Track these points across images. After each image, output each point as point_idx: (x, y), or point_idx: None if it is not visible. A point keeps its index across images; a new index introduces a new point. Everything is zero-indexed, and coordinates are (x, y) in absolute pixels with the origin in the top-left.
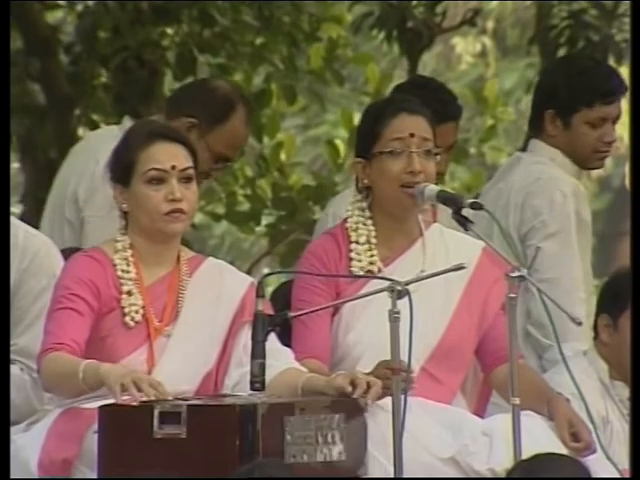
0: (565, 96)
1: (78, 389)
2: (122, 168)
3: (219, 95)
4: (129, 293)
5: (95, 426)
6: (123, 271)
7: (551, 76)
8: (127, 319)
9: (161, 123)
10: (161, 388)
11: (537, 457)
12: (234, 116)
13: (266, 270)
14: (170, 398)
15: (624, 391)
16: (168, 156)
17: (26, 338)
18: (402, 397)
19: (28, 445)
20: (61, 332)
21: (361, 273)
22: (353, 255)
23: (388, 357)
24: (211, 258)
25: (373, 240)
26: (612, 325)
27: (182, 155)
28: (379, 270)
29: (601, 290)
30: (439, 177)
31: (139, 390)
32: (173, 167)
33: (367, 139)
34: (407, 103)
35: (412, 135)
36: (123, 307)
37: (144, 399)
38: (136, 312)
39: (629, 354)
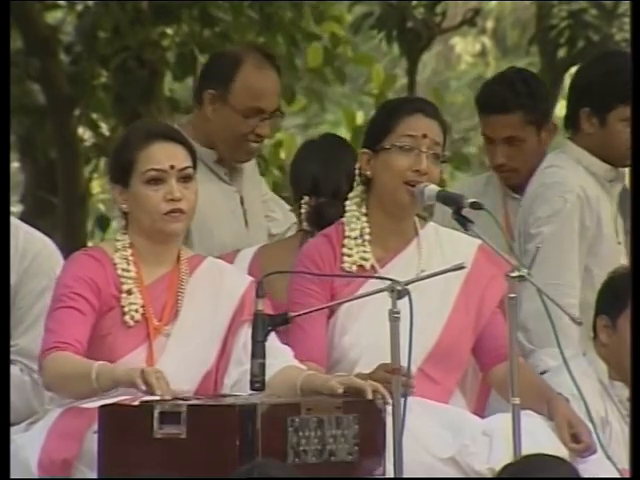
0: (600, 94)
1: (87, 390)
2: (121, 168)
3: (223, 56)
4: (129, 292)
5: (95, 426)
6: (123, 270)
7: (586, 74)
8: (127, 318)
9: (160, 123)
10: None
11: (526, 459)
12: (242, 67)
13: None
14: (170, 398)
15: (623, 391)
16: (167, 156)
17: (27, 339)
18: (402, 397)
19: (28, 445)
20: (64, 331)
21: (353, 268)
22: (345, 250)
23: (385, 359)
24: (210, 257)
25: (366, 236)
26: (611, 326)
27: (181, 155)
28: (373, 269)
29: (599, 291)
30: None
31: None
32: (172, 167)
33: (378, 132)
34: (425, 105)
35: (425, 136)
36: (123, 306)
37: (144, 399)
38: (135, 311)
39: (628, 354)
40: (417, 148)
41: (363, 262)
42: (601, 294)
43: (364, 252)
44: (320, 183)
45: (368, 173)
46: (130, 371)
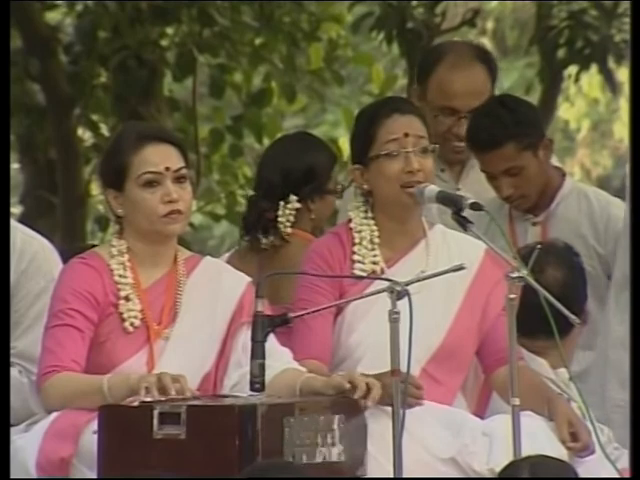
0: None
1: (97, 405)
2: (114, 172)
3: (429, 51)
4: (127, 298)
5: (92, 424)
6: (120, 276)
7: None
8: (126, 324)
9: (150, 124)
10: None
11: (523, 461)
12: (439, 65)
13: None
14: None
15: (566, 375)
16: (161, 158)
17: (25, 341)
18: (402, 398)
19: (26, 446)
20: (62, 352)
21: (364, 275)
22: (356, 257)
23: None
24: (208, 257)
25: (376, 240)
26: None
27: (174, 156)
28: (382, 271)
29: None
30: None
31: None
32: (167, 168)
33: (362, 143)
34: (399, 103)
35: (406, 135)
36: (121, 312)
37: (146, 400)
38: (135, 317)
39: None
40: (403, 150)
41: (374, 267)
42: None
43: (374, 256)
44: (259, 180)
45: (365, 187)
46: (145, 377)
